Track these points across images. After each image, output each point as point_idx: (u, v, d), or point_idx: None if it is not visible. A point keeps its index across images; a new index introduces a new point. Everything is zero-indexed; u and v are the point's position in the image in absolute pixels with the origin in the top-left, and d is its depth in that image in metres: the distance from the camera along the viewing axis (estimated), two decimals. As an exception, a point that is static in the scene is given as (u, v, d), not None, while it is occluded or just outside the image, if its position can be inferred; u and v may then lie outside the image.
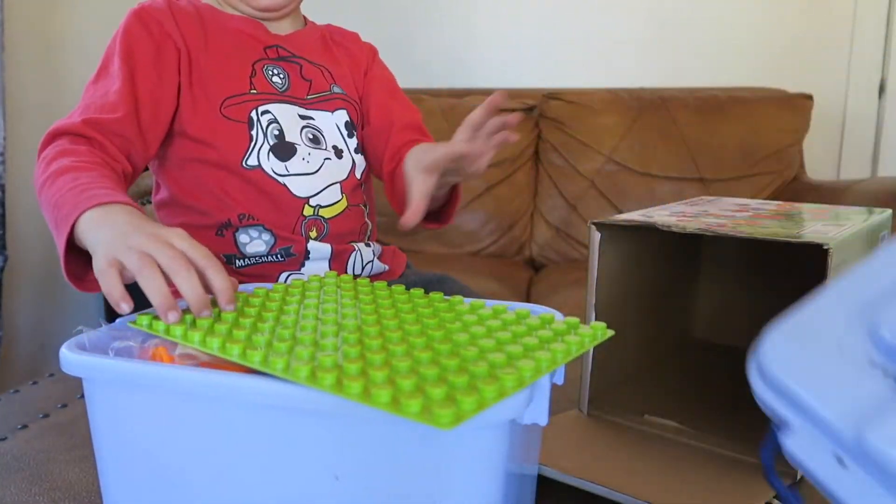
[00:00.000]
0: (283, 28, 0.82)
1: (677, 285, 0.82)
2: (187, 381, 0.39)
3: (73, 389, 0.72)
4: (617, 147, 1.89)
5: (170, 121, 0.73)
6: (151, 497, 0.42)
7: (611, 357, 0.66)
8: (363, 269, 0.80)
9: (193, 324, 0.45)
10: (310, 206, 0.76)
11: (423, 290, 0.53)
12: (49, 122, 0.67)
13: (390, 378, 0.36)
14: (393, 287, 0.55)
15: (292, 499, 0.38)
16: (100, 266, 0.48)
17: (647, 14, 2.10)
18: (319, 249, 0.76)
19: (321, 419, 0.37)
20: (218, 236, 0.74)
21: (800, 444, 0.25)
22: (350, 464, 0.37)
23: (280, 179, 0.74)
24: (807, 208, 0.73)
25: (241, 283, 0.55)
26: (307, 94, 0.79)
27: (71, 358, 0.41)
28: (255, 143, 0.74)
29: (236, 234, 0.74)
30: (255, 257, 0.74)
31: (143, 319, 0.46)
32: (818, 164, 2.01)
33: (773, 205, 0.75)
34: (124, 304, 0.46)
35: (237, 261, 0.74)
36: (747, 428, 0.60)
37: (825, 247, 0.50)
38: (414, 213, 0.64)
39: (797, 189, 1.83)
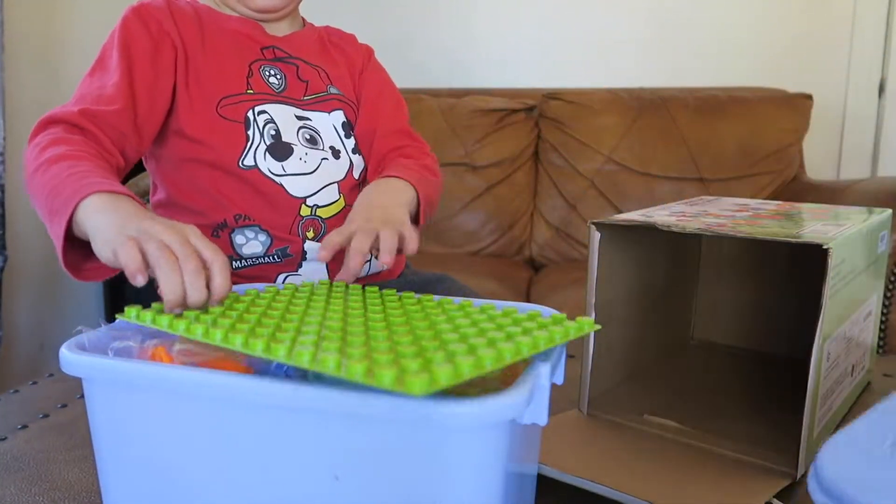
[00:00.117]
0: (280, 29, 0.82)
1: (677, 285, 0.82)
2: (187, 381, 0.39)
3: (73, 389, 0.72)
4: (617, 147, 1.89)
5: (164, 119, 0.73)
6: (151, 497, 0.42)
7: (611, 357, 0.66)
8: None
9: (180, 316, 0.45)
10: (307, 206, 0.75)
11: (413, 293, 0.53)
12: (49, 123, 0.67)
13: (367, 354, 0.37)
14: (384, 291, 0.55)
15: (292, 499, 0.38)
16: (119, 240, 0.48)
17: (647, 14, 2.10)
18: (317, 250, 0.75)
19: (321, 419, 0.37)
20: (214, 237, 0.73)
21: None
22: (350, 464, 0.37)
23: (277, 179, 0.74)
24: (806, 208, 0.73)
25: (235, 283, 0.55)
26: (304, 95, 0.79)
27: (71, 358, 0.41)
28: (252, 143, 0.74)
29: (232, 235, 0.74)
30: (251, 258, 0.74)
31: (132, 311, 0.46)
32: (818, 163, 2.01)
33: (773, 205, 0.75)
34: (140, 277, 0.46)
35: (233, 262, 0.74)
36: (747, 428, 0.60)
37: (825, 247, 0.51)
38: (345, 274, 0.58)
39: (797, 189, 1.83)
